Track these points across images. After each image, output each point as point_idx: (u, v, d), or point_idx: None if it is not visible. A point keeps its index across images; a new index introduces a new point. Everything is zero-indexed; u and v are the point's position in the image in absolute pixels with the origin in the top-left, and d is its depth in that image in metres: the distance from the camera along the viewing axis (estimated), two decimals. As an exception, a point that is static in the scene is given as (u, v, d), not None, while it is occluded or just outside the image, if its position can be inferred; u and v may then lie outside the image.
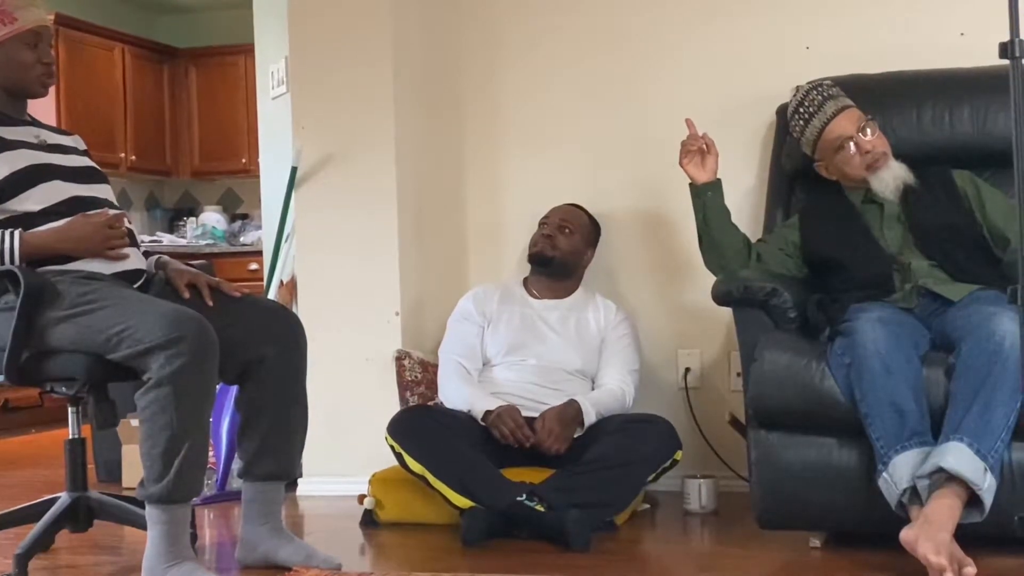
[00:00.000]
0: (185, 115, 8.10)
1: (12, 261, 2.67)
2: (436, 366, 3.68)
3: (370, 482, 3.42)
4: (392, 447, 3.28)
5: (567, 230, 3.71)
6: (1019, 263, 2.12)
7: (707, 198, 3.22)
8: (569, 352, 3.59)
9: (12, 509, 3.00)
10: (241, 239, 7.79)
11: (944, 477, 2.52)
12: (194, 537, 2.85)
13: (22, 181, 2.76)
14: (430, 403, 3.64)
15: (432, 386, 3.70)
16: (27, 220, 2.73)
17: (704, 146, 3.23)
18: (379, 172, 3.87)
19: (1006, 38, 2.07)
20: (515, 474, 3.22)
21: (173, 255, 3.09)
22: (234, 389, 2.93)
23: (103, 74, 7.46)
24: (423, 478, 3.21)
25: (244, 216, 8.05)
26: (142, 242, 3.11)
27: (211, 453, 3.31)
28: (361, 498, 3.42)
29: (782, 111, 3.46)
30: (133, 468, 3.84)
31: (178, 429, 2.50)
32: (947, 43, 3.54)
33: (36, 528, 2.83)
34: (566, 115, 3.99)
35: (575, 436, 3.35)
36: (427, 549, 3.10)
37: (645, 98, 3.90)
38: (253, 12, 4.90)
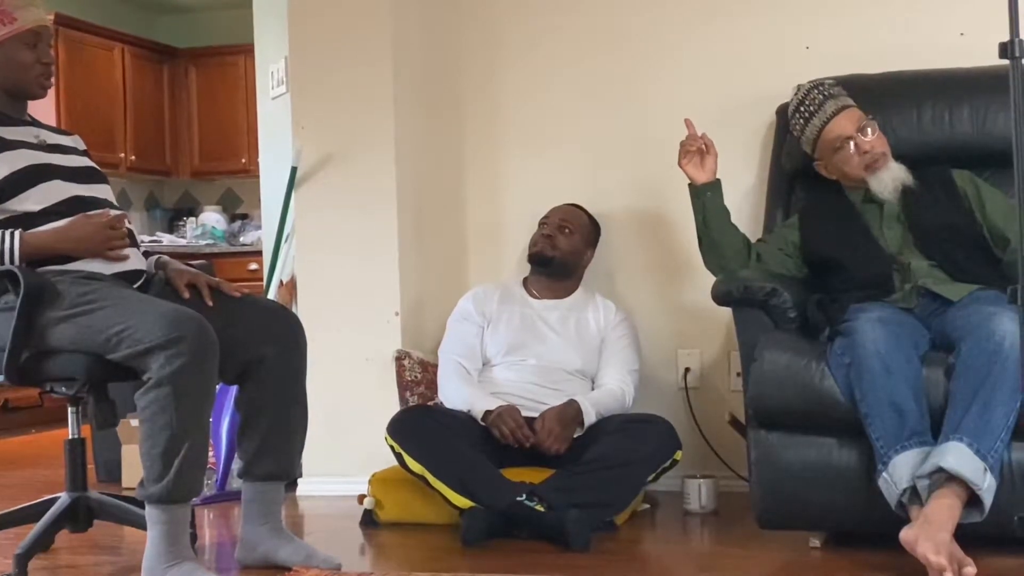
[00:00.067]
0: (185, 115, 8.10)
1: (12, 261, 2.66)
2: (436, 366, 3.68)
3: (370, 482, 3.42)
4: (392, 447, 3.27)
5: (567, 230, 3.71)
6: (1019, 263, 2.12)
7: (706, 198, 3.22)
8: (569, 352, 3.58)
9: (12, 509, 3.00)
10: (241, 239, 7.78)
11: (944, 477, 2.52)
12: (194, 537, 2.84)
13: (22, 181, 2.75)
14: (430, 403, 3.64)
15: (432, 386, 3.70)
16: (27, 220, 2.73)
17: (703, 146, 3.23)
18: (379, 172, 3.87)
19: (1006, 38, 2.07)
20: (515, 474, 3.22)
21: (173, 255, 3.09)
22: (234, 389, 2.93)
23: (103, 74, 7.45)
24: (423, 478, 3.21)
25: (244, 216, 8.05)
26: (142, 242, 3.11)
27: (211, 453, 3.31)
28: (361, 498, 3.42)
29: (782, 111, 3.46)
30: (133, 468, 3.83)
31: (178, 429, 2.50)
32: (947, 43, 3.53)
33: (36, 528, 2.83)
34: (566, 115, 3.99)
35: (575, 436, 3.35)
36: (427, 549, 3.09)
37: (645, 98, 3.90)
38: (253, 12, 4.89)
